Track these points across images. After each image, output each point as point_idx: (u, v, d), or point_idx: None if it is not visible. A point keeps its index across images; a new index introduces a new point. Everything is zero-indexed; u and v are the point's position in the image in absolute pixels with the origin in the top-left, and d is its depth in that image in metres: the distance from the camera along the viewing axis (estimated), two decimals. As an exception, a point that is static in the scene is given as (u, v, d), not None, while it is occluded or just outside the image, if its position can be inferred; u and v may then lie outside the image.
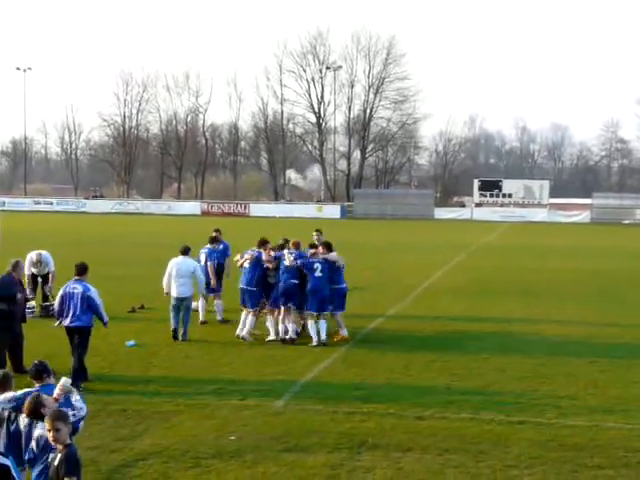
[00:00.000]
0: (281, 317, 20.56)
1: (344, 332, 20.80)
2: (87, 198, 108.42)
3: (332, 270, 20.71)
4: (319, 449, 12.41)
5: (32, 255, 23.76)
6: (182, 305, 20.64)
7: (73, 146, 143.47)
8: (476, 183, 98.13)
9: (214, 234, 24.09)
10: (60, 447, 8.22)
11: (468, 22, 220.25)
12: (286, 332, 20.45)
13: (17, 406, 9.40)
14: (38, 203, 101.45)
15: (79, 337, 16.17)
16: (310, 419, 13.96)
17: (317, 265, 20.35)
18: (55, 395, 9.38)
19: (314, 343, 20.10)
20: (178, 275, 20.71)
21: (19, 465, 9.42)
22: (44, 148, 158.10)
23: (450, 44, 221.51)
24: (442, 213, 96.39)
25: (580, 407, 14.99)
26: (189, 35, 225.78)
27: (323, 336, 20.25)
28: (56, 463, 8.15)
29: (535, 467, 11.79)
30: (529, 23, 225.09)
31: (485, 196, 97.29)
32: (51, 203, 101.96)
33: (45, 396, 9.23)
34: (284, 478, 11.23)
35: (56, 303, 16.59)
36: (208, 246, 23.72)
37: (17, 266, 17.41)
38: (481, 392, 15.83)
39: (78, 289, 16.18)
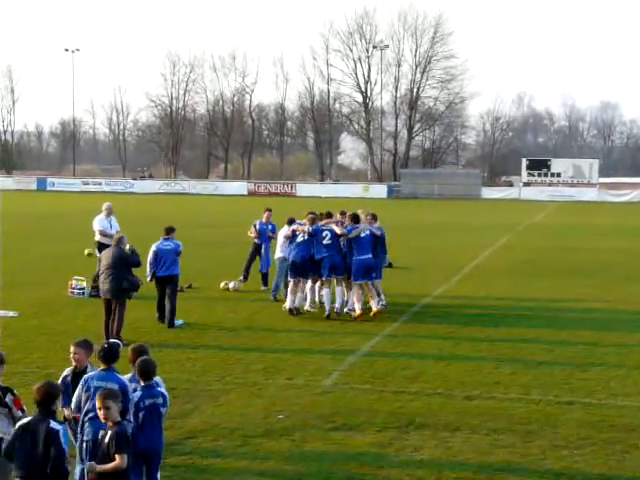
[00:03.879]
0: (290, 288, 21.03)
1: (374, 305, 20.75)
2: (135, 179, 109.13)
3: (358, 241, 20.94)
4: (367, 428, 12.42)
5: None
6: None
7: (121, 127, 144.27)
8: (524, 162, 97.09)
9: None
10: (110, 424, 8.31)
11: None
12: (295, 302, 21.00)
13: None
14: (87, 184, 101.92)
15: (171, 284, 19.51)
16: (358, 398, 13.98)
17: (326, 233, 20.86)
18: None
19: (307, 307, 21.12)
20: (281, 240, 23.16)
21: None
22: (92, 129, 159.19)
23: (498, 22, 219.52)
24: (489, 193, 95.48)
25: (630, 387, 14.85)
26: (235, 15, 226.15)
27: (337, 303, 20.72)
28: (106, 440, 8.25)
29: (585, 448, 11.70)
30: None
31: (533, 175, 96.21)
32: (100, 183, 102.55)
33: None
34: (332, 457, 11.25)
35: (149, 258, 19.43)
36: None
37: (121, 241, 17.95)
38: (530, 372, 15.74)
39: (170, 245, 19.64)
